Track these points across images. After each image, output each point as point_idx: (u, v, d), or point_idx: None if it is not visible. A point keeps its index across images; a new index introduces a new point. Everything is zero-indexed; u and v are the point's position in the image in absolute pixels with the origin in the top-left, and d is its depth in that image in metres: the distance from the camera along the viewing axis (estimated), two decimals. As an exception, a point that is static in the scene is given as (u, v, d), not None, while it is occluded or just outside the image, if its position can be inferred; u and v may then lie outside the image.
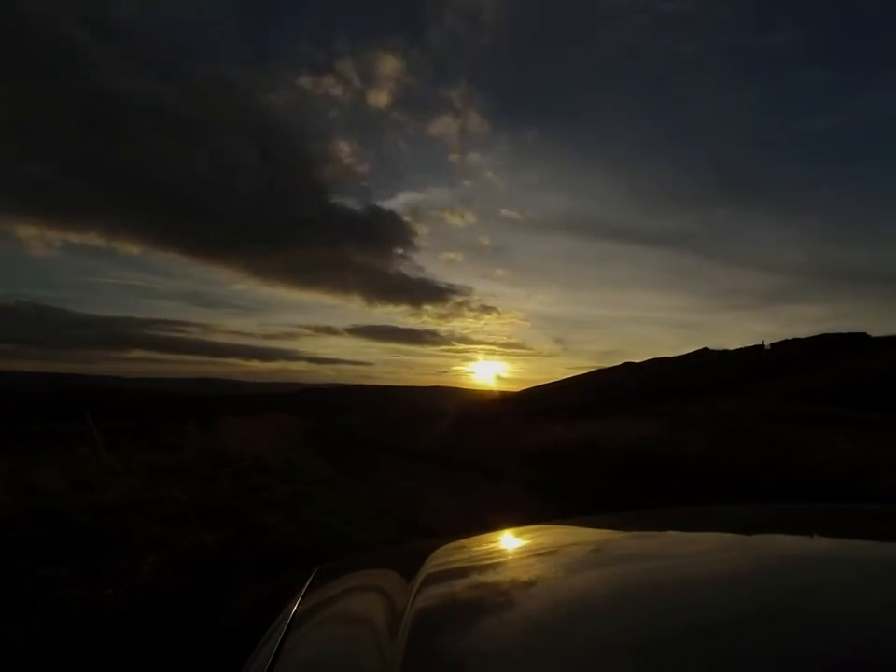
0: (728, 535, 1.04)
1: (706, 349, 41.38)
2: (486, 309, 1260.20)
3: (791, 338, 33.95)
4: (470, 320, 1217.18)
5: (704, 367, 31.01)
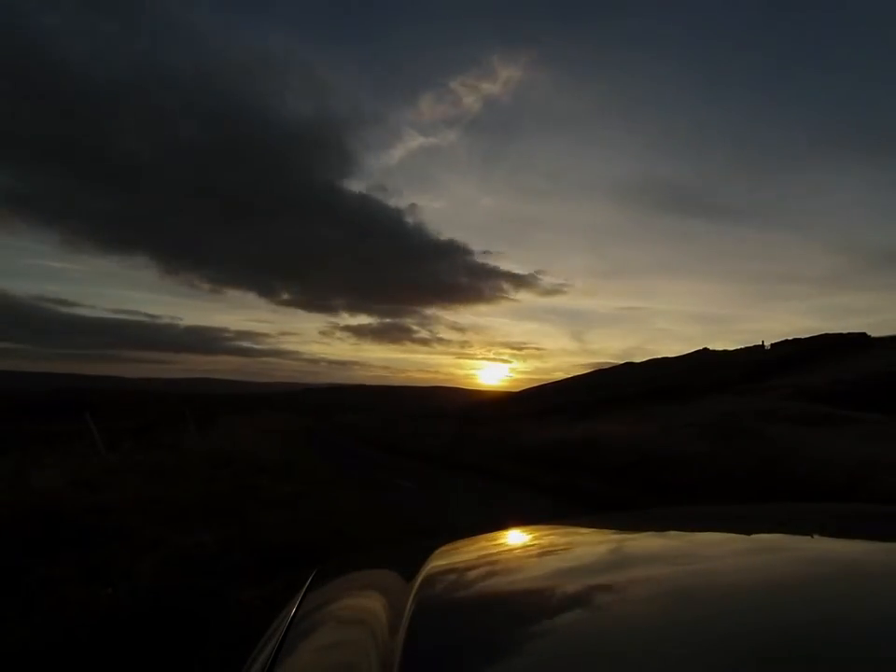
0: (728, 535, 1.04)
1: (705, 349, 41.50)
2: (496, 303, 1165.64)
3: (790, 338, 34.06)
4: (477, 315, 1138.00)
5: (703, 367, 31.04)
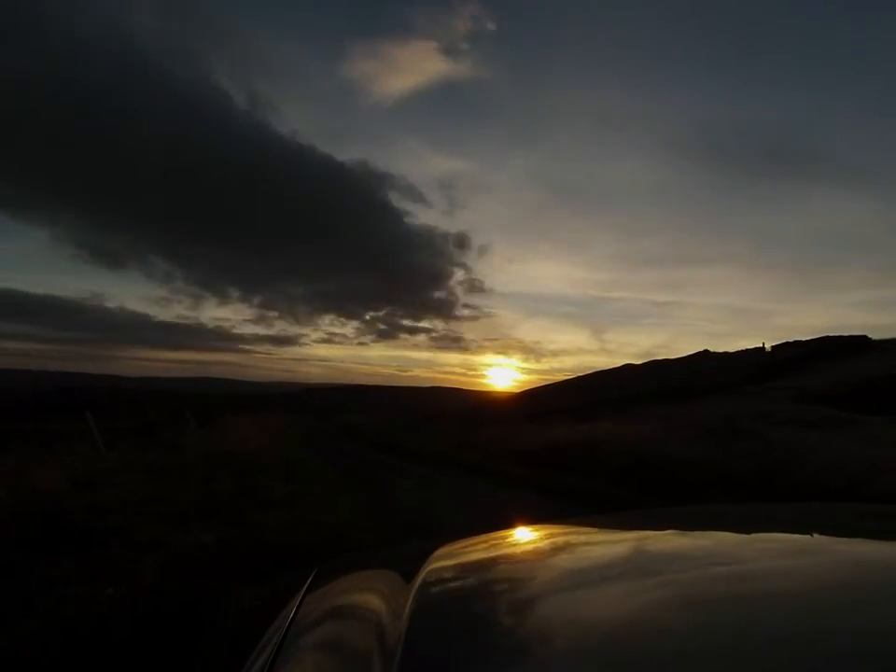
0: (729, 534, 1.04)
1: (706, 351, 41.56)
2: (507, 298, 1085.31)
3: (791, 340, 34.22)
4: (485, 312, 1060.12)
5: (704, 369, 31.07)
